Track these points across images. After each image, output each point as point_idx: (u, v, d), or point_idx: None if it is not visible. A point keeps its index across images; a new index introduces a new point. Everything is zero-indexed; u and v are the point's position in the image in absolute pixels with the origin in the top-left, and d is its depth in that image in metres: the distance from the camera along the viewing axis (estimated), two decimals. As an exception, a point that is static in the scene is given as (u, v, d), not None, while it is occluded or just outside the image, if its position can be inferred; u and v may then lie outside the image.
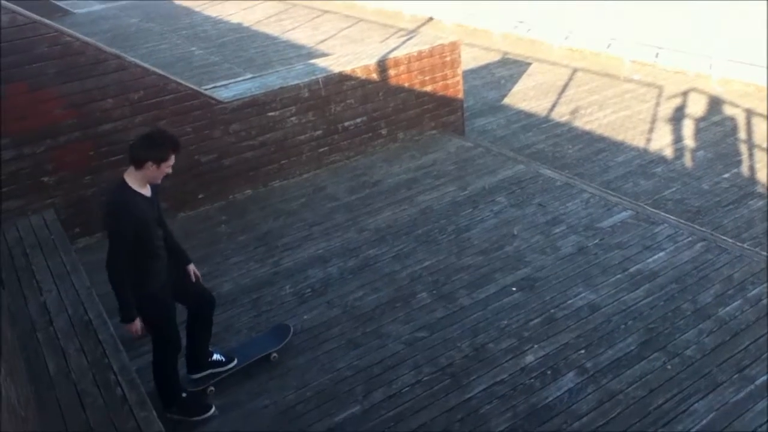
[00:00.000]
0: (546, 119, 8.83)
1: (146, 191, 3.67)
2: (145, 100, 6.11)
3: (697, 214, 6.28)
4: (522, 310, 4.80)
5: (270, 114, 6.80)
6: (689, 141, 7.82)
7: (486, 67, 11.15)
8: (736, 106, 8.64)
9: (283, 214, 6.43)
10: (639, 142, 7.89)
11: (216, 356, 4.31)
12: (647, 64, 10.35)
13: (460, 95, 8.13)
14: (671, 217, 5.98)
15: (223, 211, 6.60)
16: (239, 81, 7.27)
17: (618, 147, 7.82)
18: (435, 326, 4.72)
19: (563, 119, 8.75)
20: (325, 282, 5.33)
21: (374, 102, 7.45)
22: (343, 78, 7.15)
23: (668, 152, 7.59)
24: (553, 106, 9.25)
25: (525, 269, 5.26)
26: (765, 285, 4.82)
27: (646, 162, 7.40)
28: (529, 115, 9.02)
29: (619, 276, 5.07)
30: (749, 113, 8.40)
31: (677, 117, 8.50)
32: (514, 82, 10.31)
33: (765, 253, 5.42)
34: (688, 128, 8.16)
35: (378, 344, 4.60)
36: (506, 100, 9.64)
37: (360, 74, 7.24)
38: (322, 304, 5.06)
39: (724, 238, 5.64)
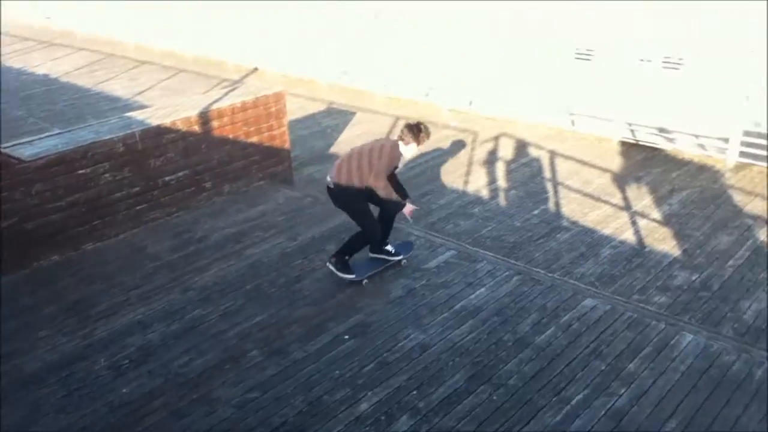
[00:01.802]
0: (372, 166, 9.04)
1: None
2: (-75, 161, 5.42)
3: (512, 249, 6.71)
4: (355, 358, 4.77)
5: (80, 172, 6.31)
6: (502, 182, 8.41)
7: (312, 116, 11.30)
8: (541, 148, 9.47)
9: (97, 280, 5.93)
10: (458, 184, 8.35)
11: (389, 247, 5.85)
12: (462, 111, 11.08)
13: (287, 145, 8.13)
14: (489, 253, 6.34)
15: (27, 281, 5.95)
16: (45, 137, 6.69)
17: (440, 190, 8.21)
18: (267, 385, 4.54)
19: (388, 165, 9.02)
20: (146, 350, 4.94)
21: (197, 155, 7.21)
22: (162, 131, 6.85)
23: (484, 193, 8.10)
24: (378, 153, 9.51)
25: (357, 315, 5.27)
26: (573, 311, 5.22)
27: (465, 203, 7.82)
28: (355, 163, 9.19)
29: (445, 314, 5.24)
30: (552, 154, 9.24)
31: (491, 160, 9.14)
32: (340, 131, 10.53)
33: (572, 281, 5.90)
34: (500, 170, 8.79)
35: (206, 411, 4.32)
36: (333, 149, 9.80)
37: (181, 126, 6.99)
38: (143, 375, 4.68)
39: (537, 270, 6.07)
